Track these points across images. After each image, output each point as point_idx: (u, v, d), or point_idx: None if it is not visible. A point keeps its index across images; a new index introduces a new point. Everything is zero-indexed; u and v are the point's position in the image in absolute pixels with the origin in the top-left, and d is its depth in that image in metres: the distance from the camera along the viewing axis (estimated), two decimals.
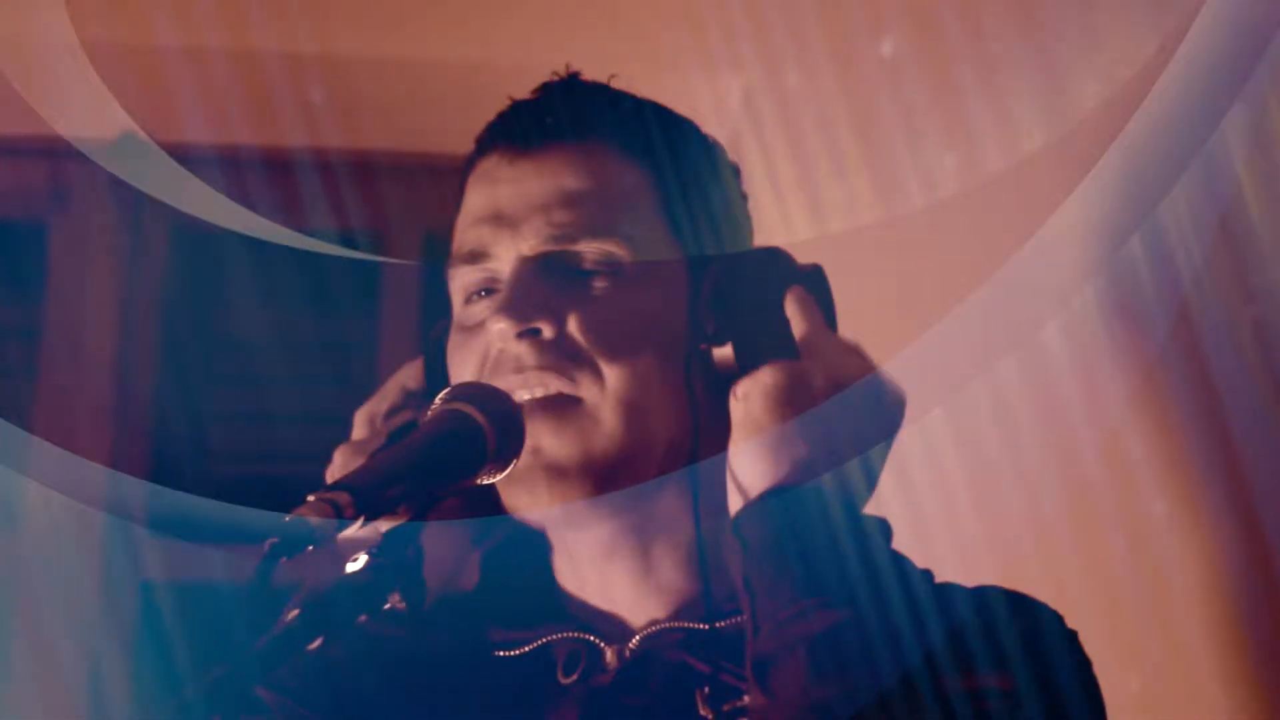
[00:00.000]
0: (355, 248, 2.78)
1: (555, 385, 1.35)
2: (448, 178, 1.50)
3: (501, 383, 1.35)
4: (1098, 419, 1.81)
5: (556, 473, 1.34)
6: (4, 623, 2.53)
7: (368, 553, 1.17)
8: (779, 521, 1.26)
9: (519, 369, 1.35)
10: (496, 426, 1.27)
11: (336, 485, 1.13)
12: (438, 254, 1.48)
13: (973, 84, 1.98)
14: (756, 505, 1.28)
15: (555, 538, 1.43)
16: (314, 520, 1.09)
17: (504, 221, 1.39)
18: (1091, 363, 1.81)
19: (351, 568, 1.17)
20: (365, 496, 1.13)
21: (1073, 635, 1.30)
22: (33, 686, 2.53)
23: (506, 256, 1.38)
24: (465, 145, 1.48)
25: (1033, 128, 1.88)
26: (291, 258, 2.64)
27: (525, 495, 1.35)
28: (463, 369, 1.39)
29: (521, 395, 1.35)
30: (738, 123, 2.41)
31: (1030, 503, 1.84)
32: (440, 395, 1.30)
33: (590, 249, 1.37)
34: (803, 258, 1.44)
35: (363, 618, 1.16)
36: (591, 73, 1.47)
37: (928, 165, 2.07)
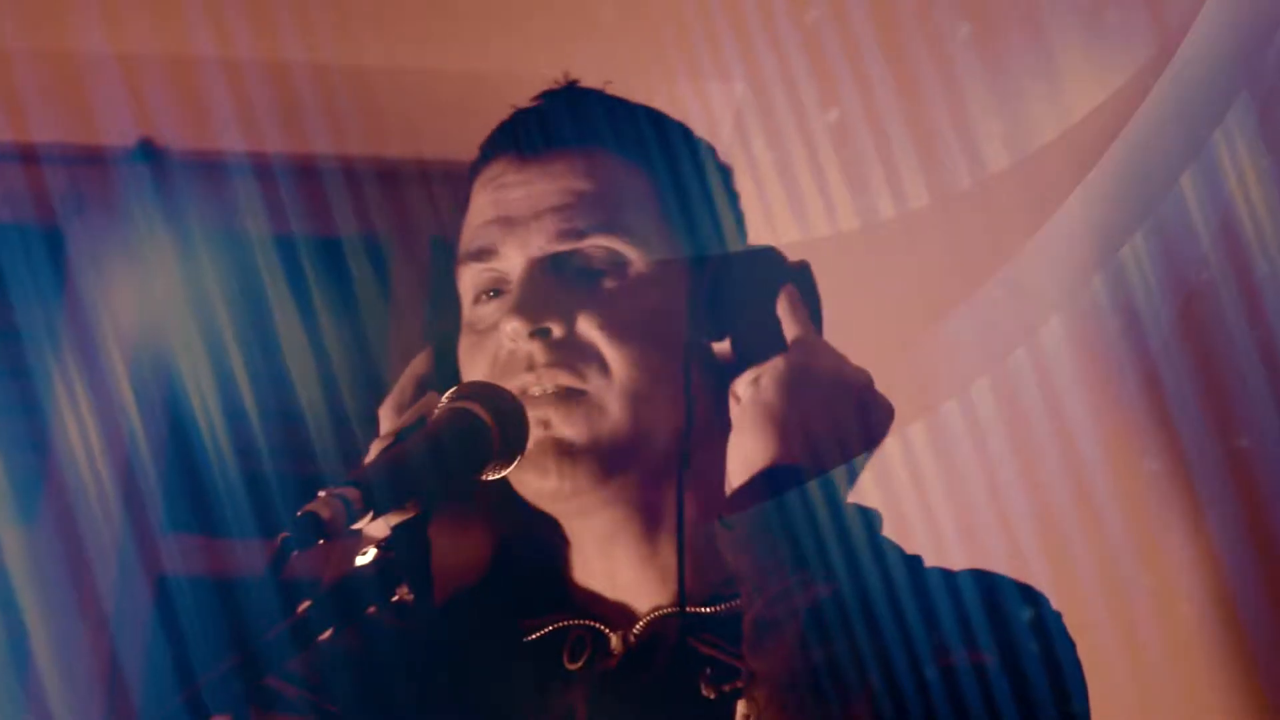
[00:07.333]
0: (367, 250, 2.82)
1: (563, 380, 1.39)
2: (457, 183, 1.54)
3: (514, 380, 1.39)
4: (1101, 425, 1.82)
5: (565, 452, 1.38)
6: (22, 617, 2.56)
7: (377, 546, 1.20)
8: (770, 500, 1.30)
9: (530, 367, 1.39)
10: (501, 424, 1.31)
11: (346, 481, 1.16)
12: (444, 256, 1.51)
13: (970, 86, 2.00)
14: (751, 483, 1.32)
15: (564, 526, 1.46)
16: (325, 515, 1.12)
17: (513, 223, 1.43)
18: (1094, 366, 1.82)
19: (361, 561, 1.20)
20: (374, 492, 1.17)
21: (1057, 616, 1.31)
22: (49, 680, 2.56)
23: (516, 257, 1.42)
24: (471, 151, 1.52)
25: (1038, 128, 1.90)
26: (306, 260, 2.68)
27: (535, 477, 1.38)
28: (474, 369, 1.43)
29: (533, 391, 1.38)
30: (738, 124, 2.44)
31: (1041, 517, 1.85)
32: (447, 394, 1.33)
33: (597, 248, 1.42)
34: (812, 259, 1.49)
35: (372, 609, 1.19)
36: (594, 80, 1.51)
37: (933, 165, 2.09)
